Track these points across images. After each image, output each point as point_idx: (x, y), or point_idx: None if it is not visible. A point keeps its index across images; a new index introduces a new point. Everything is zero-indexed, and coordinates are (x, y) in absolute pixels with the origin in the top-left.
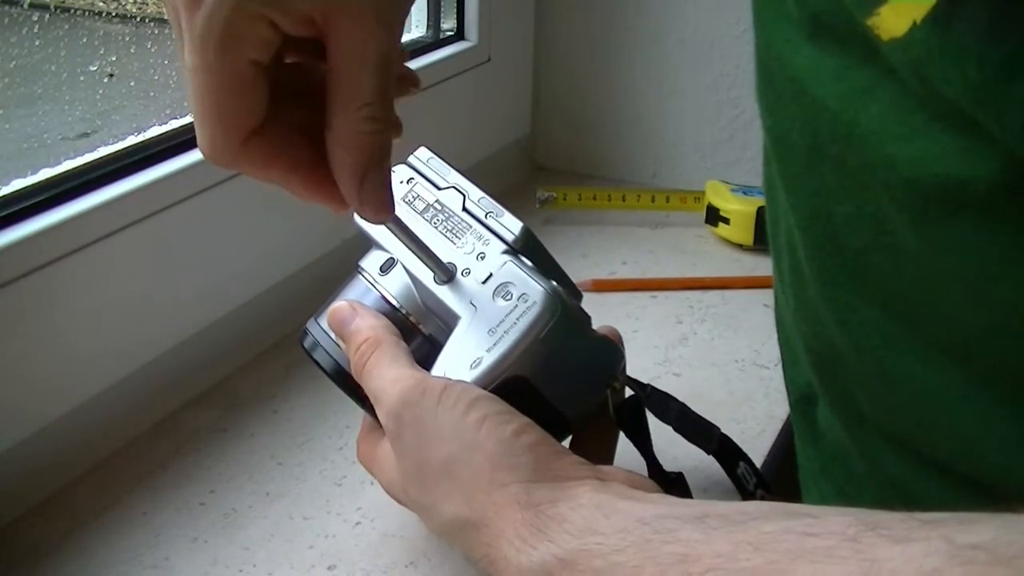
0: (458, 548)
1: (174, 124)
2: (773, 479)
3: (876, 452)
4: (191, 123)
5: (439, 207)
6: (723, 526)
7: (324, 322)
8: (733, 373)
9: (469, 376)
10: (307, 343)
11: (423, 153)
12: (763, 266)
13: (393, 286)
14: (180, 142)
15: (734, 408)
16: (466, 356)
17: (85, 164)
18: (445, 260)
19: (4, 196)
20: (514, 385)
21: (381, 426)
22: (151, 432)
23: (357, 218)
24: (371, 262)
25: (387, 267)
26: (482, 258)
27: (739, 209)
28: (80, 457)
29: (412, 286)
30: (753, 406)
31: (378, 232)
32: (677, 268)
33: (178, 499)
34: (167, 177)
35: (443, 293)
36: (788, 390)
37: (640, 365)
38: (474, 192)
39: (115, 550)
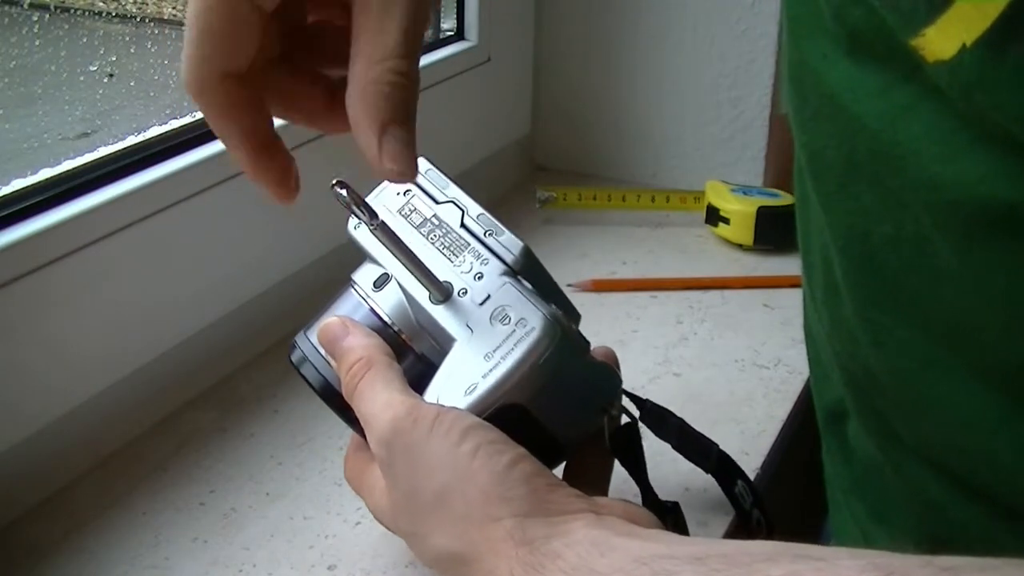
0: None
1: (174, 124)
2: (773, 481)
3: (912, 473)
4: (191, 123)
5: (436, 222)
6: (725, 568)
7: (314, 336)
8: (733, 373)
9: (464, 403)
10: (295, 358)
11: (421, 164)
12: (763, 266)
13: (386, 302)
14: (180, 142)
15: (734, 408)
16: (461, 382)
17: (85, 164)
18: (442, 279)
19: (4, 196)
20: (510, 412)
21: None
22: (151, 432)
23: (351, 231)
24: (364, 276)
25: (381, 282)
26: (480, 278)
27: (739, 209)
28: (80, 457)
29: (406, 303)
30: (753, 406)
31: (373, 246)
32: (677, 268)
33: (178, 499)
34: (167, 177)
35: (438, 313)
36: (816, 405)
37: (640, 365)
38: (473, 208)
39: (115, 550)
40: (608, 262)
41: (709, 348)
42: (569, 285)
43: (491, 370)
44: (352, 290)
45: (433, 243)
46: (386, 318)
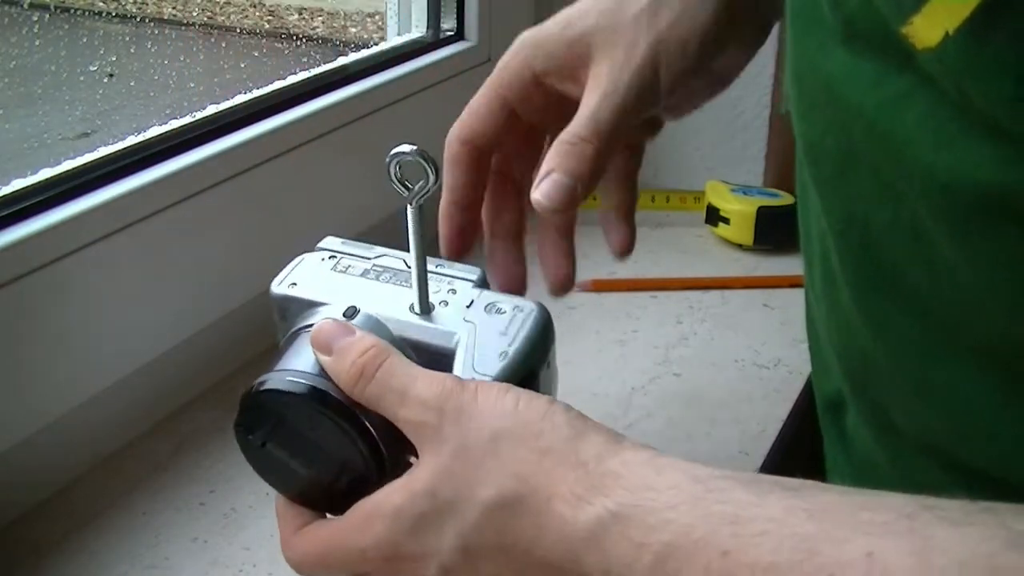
0: (480, 549)
1: (174, 124)
2: None
3: (908, 462)
4: (191, 123)
5: (380, 268)
6: (777, 491)
7: (288, 364)
8: (733, 373)
9: (498, 366)
10: (263, 387)
11: (333, 240)
12: (763, 266)
13: (364, 327)
14: (180, 142)
15: (734, 408)
16: (490, 353)
17: (85, 164)
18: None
19: (4, 196)
20: (528, 383)
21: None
22: (151, 432)
23: (284, 290)
24: (323, 316)
25: (351, 313)
26: (454, 292)
27: (739, 209)
28: (80, 457)
29: (383, 324)
30: (753, 406)
31: (330, 287)
32: (677, 268)
33: (178, 499)
34: (167, 177)
35: (430, 320)
36: (816, 397)
37: (640, 365)
38: (408, 256)
39: (115, 550)
40: (608, 262)
41: (709, 348)
42: None
43: (514, 339)
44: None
45: (387, 283)
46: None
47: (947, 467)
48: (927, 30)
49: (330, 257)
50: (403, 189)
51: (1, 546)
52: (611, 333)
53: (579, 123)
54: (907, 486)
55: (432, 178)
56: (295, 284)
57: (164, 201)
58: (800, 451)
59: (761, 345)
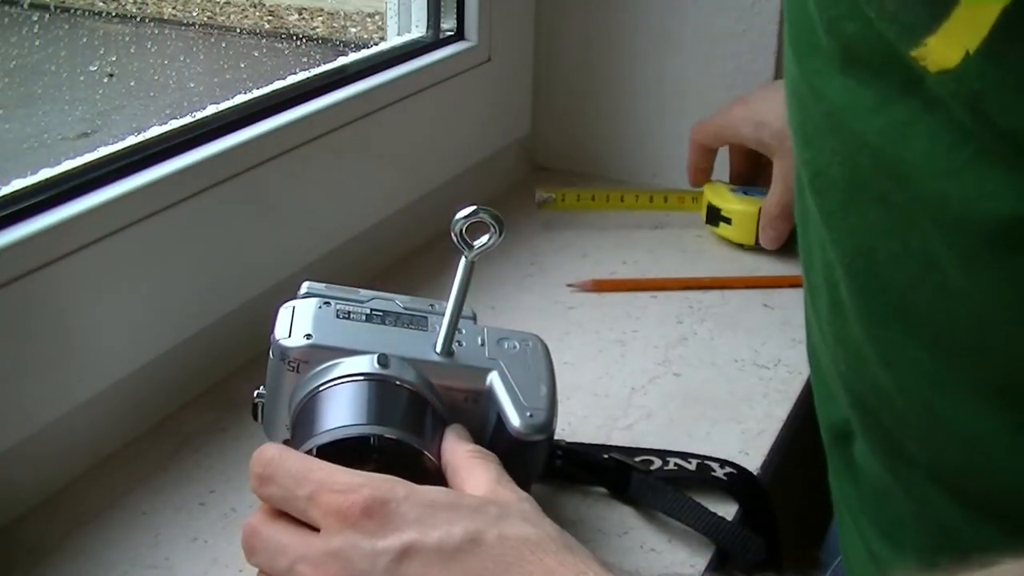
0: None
1: (174, 124)
2: (773, 481)
3: (922, 493)
4: (191, 123)
5: (380, 312)
6: None
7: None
8: (733, 373)
9: (545, 400)
10: (383, 437)
11: (314, 285)
12: (763, 266)
13: (403, 373)
14: (180, 142)
15: (734, 408)
16: (529, 388)
17: (85, 164)
18: (431, 344)
19: (4, 196)
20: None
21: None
22: (151, 432)
23: (312, 341)
24: (356, 366)
25: (384, 362)
26: (461, 331)
27: (740, 209)
28: (80, 457)
29: (416, 369)
30: (753, 406)
31: (347, 336)
32: (677, 268)
33: (178, 499)
34: (167, 177)
35: (458, 360)
36: (821, 424)
37: (640, 365)
38: (397, 297)
39: (115, 550)
40: (608, 262)
41: (709, 348)
42: (569, 285)
43: (541, 372)
44: (355, 381)
45: (392, 326)
46: (412, 383)
47: (962, 501)
48: (945, 50)
49: (324, 304)
50: (465, 247)
51: (1, 546)
52: (611, 333)
53: (773, 203)
54: (921, 516)
55: (497, 235)
56: (310, 336)
57: (164, 201)
58: (800, 452)
59: (761, 345)
